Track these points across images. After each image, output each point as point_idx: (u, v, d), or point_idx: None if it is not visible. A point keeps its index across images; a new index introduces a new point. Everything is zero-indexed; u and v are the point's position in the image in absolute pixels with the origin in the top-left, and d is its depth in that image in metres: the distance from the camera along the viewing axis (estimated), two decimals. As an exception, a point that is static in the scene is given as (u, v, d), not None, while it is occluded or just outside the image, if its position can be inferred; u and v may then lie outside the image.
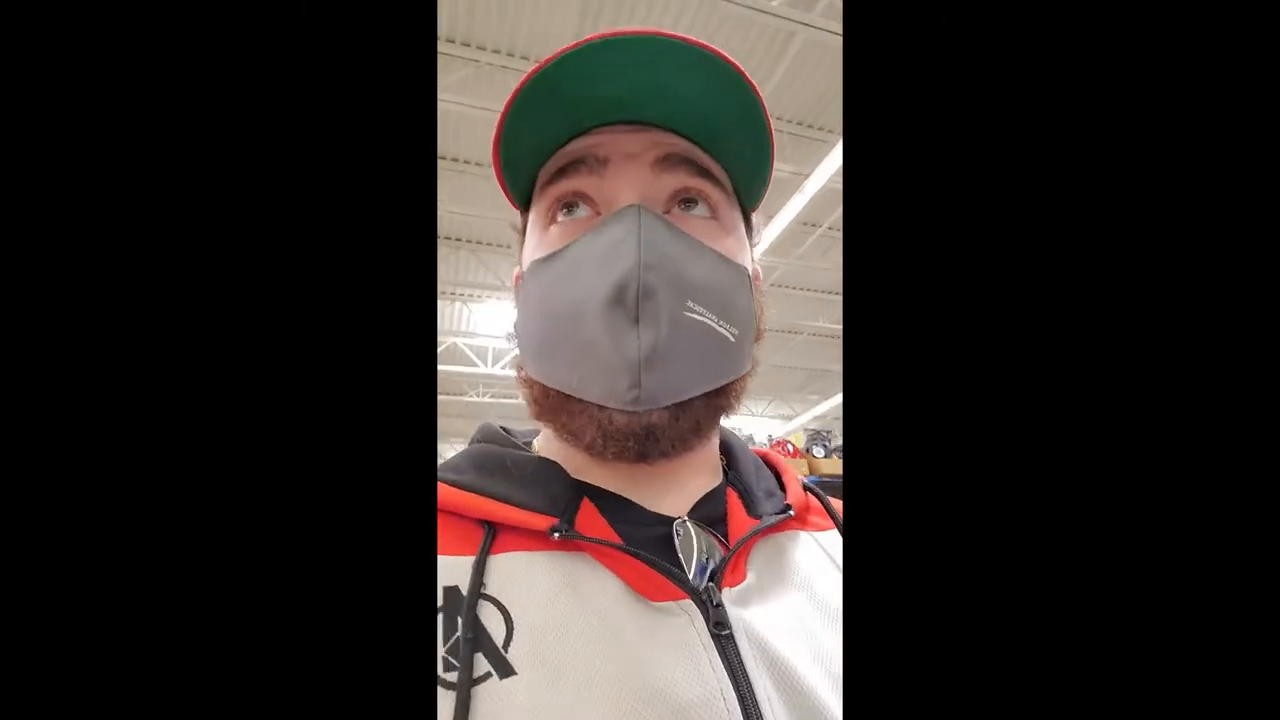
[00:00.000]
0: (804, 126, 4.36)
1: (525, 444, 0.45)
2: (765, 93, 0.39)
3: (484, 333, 6.69)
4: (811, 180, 3.99)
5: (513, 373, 0.45)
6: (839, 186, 4.07)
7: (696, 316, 0.38)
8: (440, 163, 4.24)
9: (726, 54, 0.37)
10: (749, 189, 0.44)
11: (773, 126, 0.41)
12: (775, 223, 4.41)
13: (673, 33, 0.36)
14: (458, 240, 5.21)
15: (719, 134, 0.41)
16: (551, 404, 0.40)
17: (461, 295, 6.03)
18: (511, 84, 0.41)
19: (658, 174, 0.40)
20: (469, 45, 3.54)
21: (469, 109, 3.52)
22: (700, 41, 0.36)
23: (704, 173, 0.41)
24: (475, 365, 6.76)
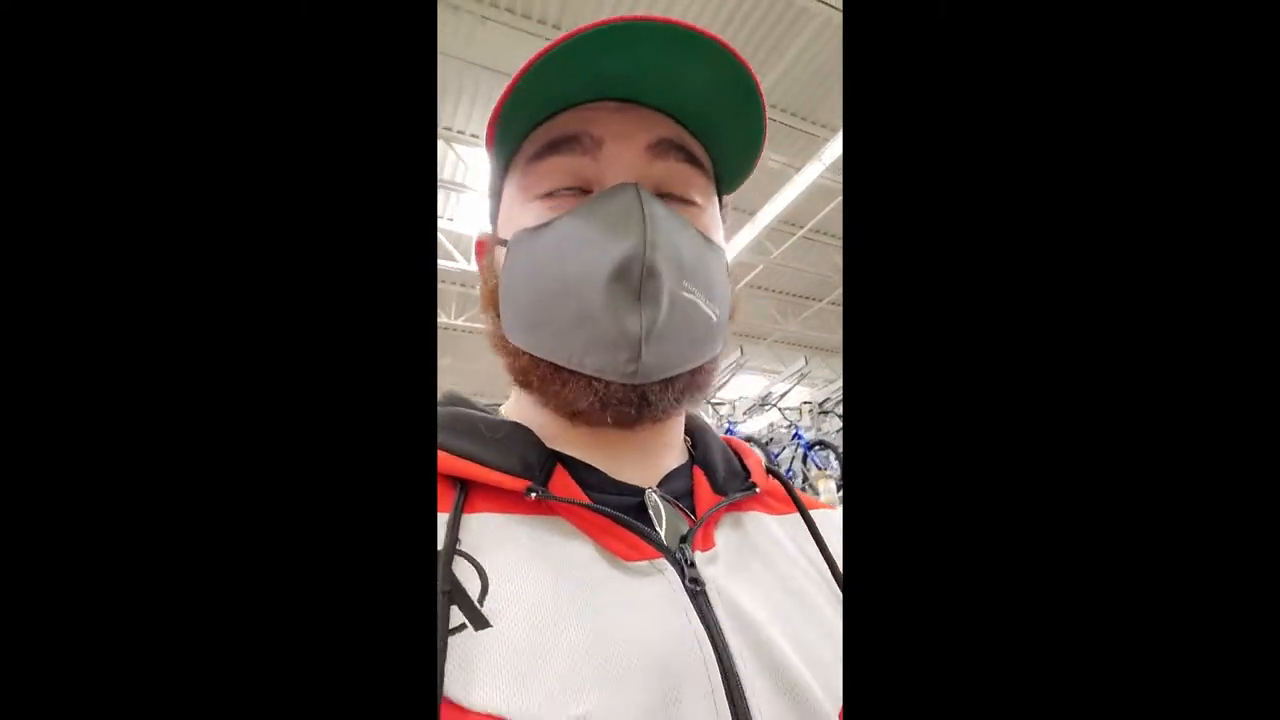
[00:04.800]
0: (799, 119, 4.33)
1: (491, 412, 0.45)
2: (767, 82, 0.38)
3: (464, 229, 4.79)
4: (803, 174, 3.97)
5: None
6: (827, 183, 4.06)
7: (690, 296, 0.39)
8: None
9: (743, 57, 0.39)
10: (728, 178, 0.46)
11: (768, 130, 0.43)
12: (764, 214, 4.39)
13: (698, 27, 0.37)
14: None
15: (711, 126, 0.42)
16: (541, 374, 0.40)
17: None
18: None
19: (650, 159, 0.40)
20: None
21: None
22: (722, 40, 0.38)
23: (692, 159, 0.42)
24: (454, 260, 4.91)
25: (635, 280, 0.36)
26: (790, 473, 4.46)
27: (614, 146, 0.40)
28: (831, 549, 0.43)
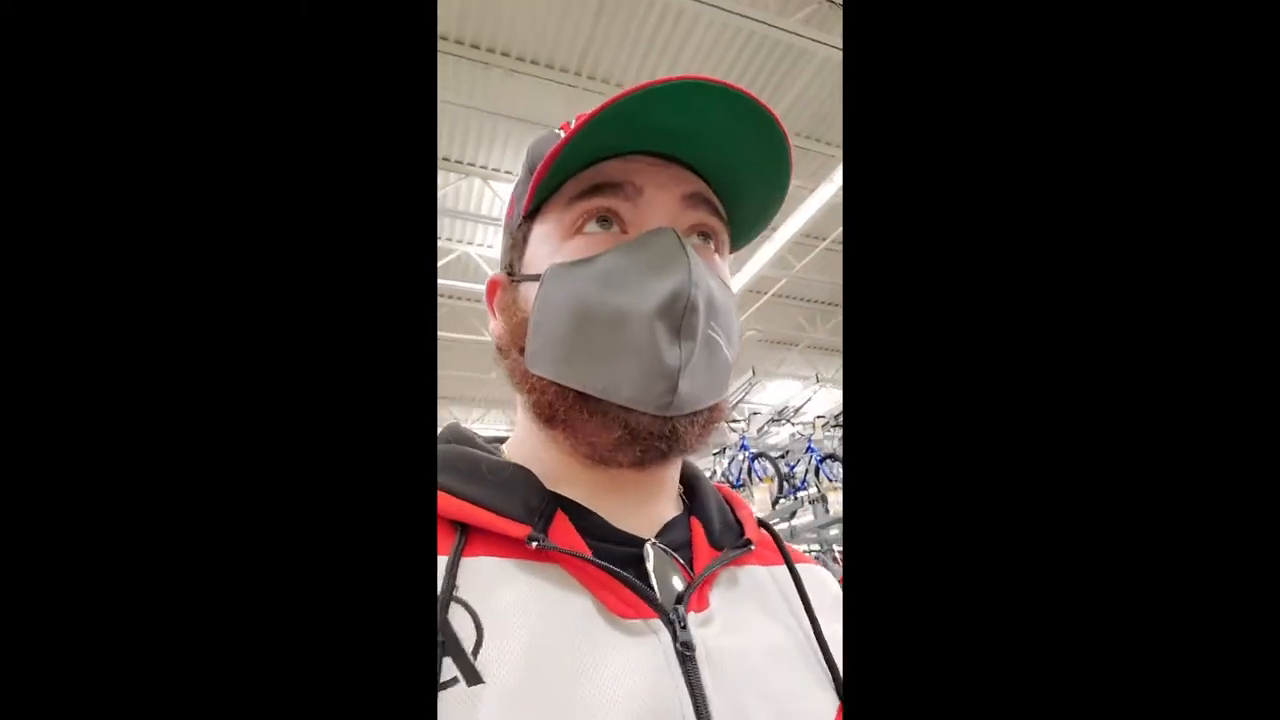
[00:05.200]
0: (811, 140, 4.50)
1: (493, 449, 0.46)
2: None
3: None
4: (815, 195, 4.14)
5: None
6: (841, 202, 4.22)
7: (715, 335, 0.42)
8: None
9: (789, 139, 0.43)
10: (738, 236, 0.50)
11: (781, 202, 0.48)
12: (781, 232, 4.57)
13: (757, 97, 0.41)
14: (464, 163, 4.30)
15: (736, 191, 0.46)
16: (569, 404, 0.41)
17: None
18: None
19: (684, 208, 0.44)
20: (462, 43, 3.48)
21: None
22: (777, 118, 0.41)
23: (717, 213, 0.46)
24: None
25: (679, 314, 0.39)
26: (804, 484, 4.59)
27: (653, 194, 0.43)
28: (814, 603, 0.45)
